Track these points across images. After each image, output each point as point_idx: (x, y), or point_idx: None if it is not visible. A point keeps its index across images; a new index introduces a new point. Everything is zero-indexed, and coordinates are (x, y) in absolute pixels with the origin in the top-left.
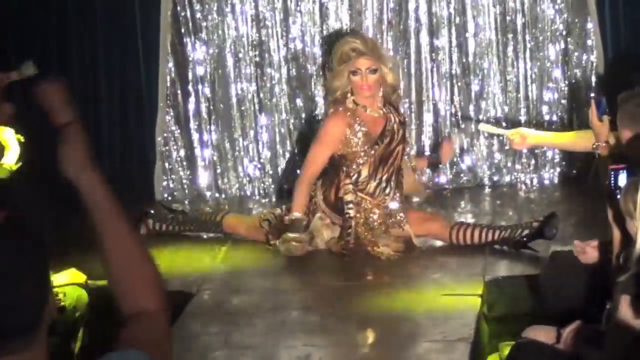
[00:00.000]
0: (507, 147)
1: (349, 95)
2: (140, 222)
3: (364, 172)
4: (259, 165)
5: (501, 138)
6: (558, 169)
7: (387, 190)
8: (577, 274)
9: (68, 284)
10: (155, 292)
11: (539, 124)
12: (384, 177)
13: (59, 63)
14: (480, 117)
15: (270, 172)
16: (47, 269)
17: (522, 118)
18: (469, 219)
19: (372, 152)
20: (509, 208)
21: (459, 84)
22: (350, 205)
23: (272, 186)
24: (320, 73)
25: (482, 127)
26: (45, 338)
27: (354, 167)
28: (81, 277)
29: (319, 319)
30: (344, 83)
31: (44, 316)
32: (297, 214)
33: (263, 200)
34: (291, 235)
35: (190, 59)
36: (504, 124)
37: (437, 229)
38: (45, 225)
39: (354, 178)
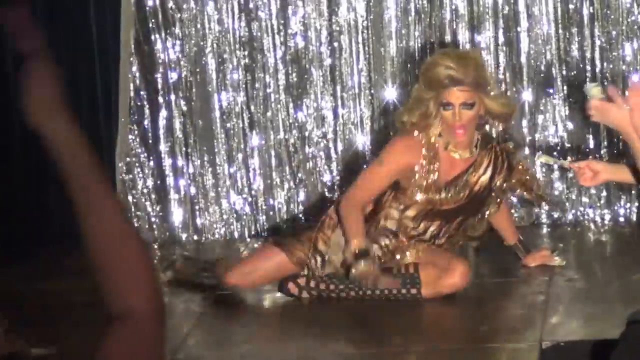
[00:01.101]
0: (571, 176)
1: (432, 128)
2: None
3: (410, 212)
4: (250, 199)
5: (567, 171)
6: (637, 204)
7: (427, 240)
8: None
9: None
10: (148, 286)
11: (611, 145)
12: (431, 229)
13: None
14: (537, 136)
15: (264, 207)
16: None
17: (590, 137)
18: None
19: (432, 196)
20: (573, 253)
21: (508, 92)
22: (387, 234)
23: (266, 226)
24: (329, 79)
25: (541, 158)
26: None
27: (406, 198)
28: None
29: None
30: (429, 113)
31: None
32: (357, 241)
33: (255, 244)
34: (363, 267)
35: (160, 60)
36: (567, 144)
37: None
38: None
39: (400, 207)
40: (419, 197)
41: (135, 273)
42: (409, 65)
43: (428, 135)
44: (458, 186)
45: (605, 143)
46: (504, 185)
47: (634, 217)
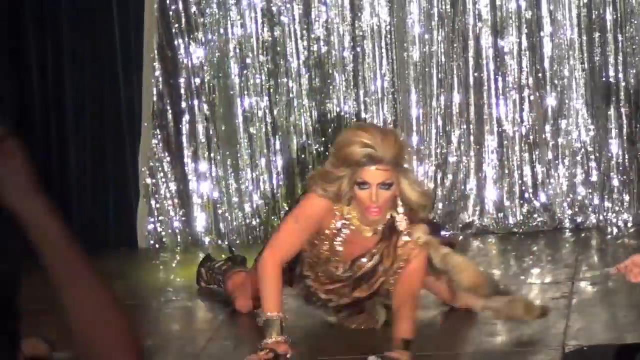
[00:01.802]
0: (592, 180)
1: (345, 207)
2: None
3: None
4: (272, 204)
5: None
6: None
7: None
8: None
9: (28, 358)
10: (131, 352)
11: (632, 153)
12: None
13: (12, 69)
14: (560, 140)
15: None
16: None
17: (614, 142)
18: (546, 269)
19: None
20: (596, 258)
21: (531, 97)
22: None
23: None
24: (352, 84)
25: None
26: None
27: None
28: (44, 350)
29: None
30: (342, 191)
31: None
32: (267, 309)
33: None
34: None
35: (183, 65)
36: (590, 148)
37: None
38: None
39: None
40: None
41: (119, 341)
42: (432, 71)
43: (341, 208)
44: (353, 269)
45: (625, 146)
46: (393, 266)
47: None
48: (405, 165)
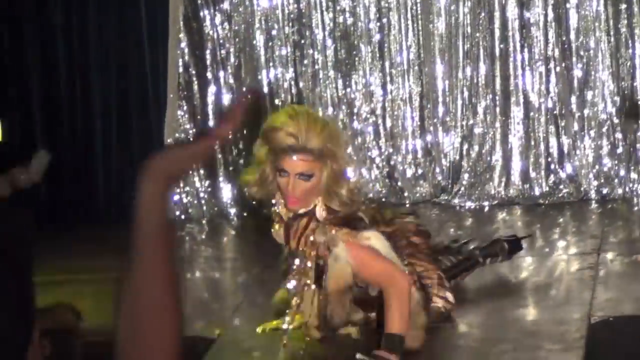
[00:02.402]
0: (618, 151)
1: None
2: None
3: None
4: None
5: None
6: None
7: None
8: None
9: (54, 326)
10: (171, 353)
11: None
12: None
13: (39, 37)
14: (586, 111)
15: None
16: (33, 300)
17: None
18: (572, 241)
19: None
20: (622, 228)
21: (557, 69)
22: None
23: None
24: (378, 55)
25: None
26: None
27: None
28: (71, 317)
29: None
30: (267, 176)
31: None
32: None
33: None
34: None
35: (208, 37)
36: (615, 119)
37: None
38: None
39: None
40: None
41: (162, 347)
42: (457, 42)
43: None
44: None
45: None
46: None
47: None
48: (336, 158)
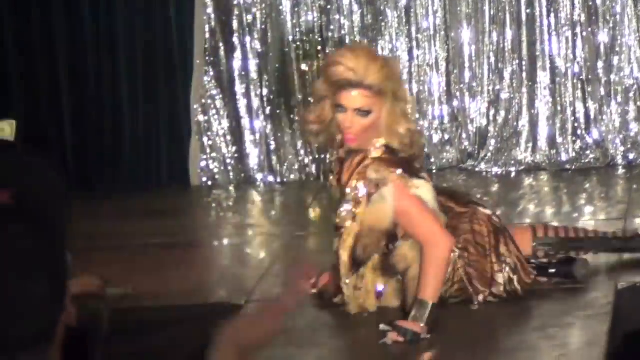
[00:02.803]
0: None
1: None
2: None
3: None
4: None
5: None
6: None
7: None
8: None
9: (80, 294)
10: None
11: None
12: None
13: (66, 3)
14: (612, 76)
15: None
16: (66, 265)
17: None
18: (599, 206)
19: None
20: None
21: (584, 34)
22: None
23: None
24: (404, 20)
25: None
26: (58, 357)
27: None
28: (97, 286)
29: None
30: (325, 115)
31: (58, 328)
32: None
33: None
34: None
35: (235, 2)
36: None
37: None
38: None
39: None
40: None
41: None
42: (484, 7)
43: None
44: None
45: None
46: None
47: None
48: (397, 97)
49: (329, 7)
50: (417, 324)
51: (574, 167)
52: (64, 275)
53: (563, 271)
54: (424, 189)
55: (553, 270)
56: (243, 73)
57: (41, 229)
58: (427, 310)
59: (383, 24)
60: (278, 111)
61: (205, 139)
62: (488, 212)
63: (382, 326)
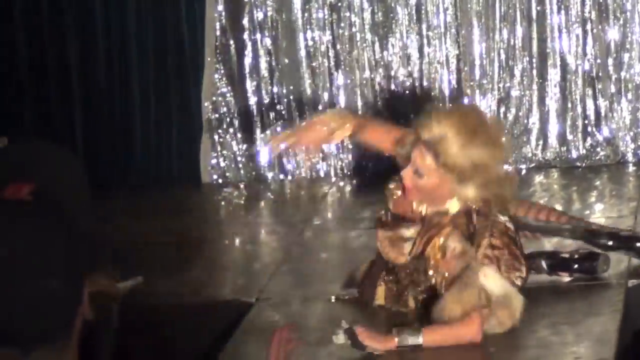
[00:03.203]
0: None
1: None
2: None
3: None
4: None
5: None
6: None
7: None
8: None
9: (91, 288)
10: None
11: None
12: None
13: (75, 3)
14: (622, 73)
15: (350, 145)
16: (84, 260)
17: None
18: (609, 203)
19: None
20: None
21: (594, 30)
22: None
23: (352, 165)
24: (415, 18)
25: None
26: (76, 351)
27: None
28: (109, 283)
29: None
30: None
31: (75, 322)
32: None
33: (340, 183)
34: None
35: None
36: None
37: None
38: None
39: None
40: None
41: None
42: (494, 4)
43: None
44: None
45: None
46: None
47: None
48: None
49: (339, 4)
50: (393, 341)
51: (584, 165)
52: (81, 271)
53: (585, 267)
54: (489, 272)
55: (576, 266)
56: (254, 70)
57: (59, 223)
58: (412, 344)
59: (394, 21)
60: (287, 109)
61: (215, 137)
62: (504, 219)
63: (343, 323)
